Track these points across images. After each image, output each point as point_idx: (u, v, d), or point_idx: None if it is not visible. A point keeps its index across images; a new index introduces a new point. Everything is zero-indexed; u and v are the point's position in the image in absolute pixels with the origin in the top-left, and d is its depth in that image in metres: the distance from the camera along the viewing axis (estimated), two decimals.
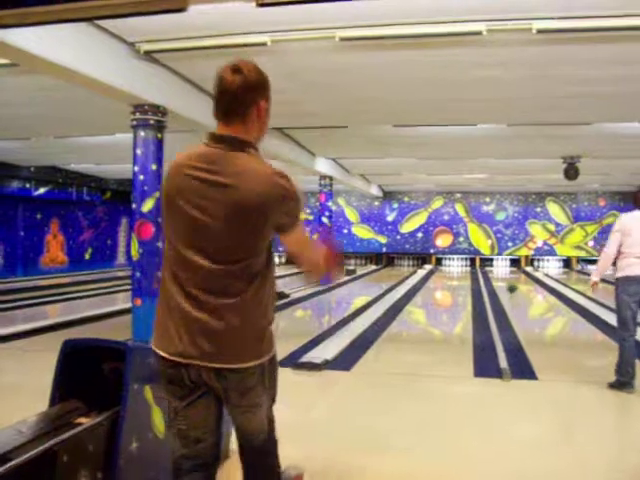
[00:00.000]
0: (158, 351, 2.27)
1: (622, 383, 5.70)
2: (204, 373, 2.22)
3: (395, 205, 25.19)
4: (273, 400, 2.46)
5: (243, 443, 2.45)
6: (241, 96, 2.18)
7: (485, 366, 6.78)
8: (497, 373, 6.38)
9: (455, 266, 24.59)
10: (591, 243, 23.79)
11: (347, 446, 4.23)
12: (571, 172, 13.41)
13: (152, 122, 7.49)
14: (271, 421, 2.49)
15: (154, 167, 7.56)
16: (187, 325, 2.18)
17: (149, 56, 6.90)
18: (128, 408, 2.78)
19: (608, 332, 8.92)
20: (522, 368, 6.68)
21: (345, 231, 25.11)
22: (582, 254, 24.00)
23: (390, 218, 25.20)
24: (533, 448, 4.28)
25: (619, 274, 5.79)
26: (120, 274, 18.59)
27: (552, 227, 24.06)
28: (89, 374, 3.04)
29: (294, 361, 6.65)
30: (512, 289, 15.28)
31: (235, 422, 2.42)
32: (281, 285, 14.06)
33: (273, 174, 2.16)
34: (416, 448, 4.28)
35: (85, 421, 2.77)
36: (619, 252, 5.79)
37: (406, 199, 25.06)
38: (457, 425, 4.82)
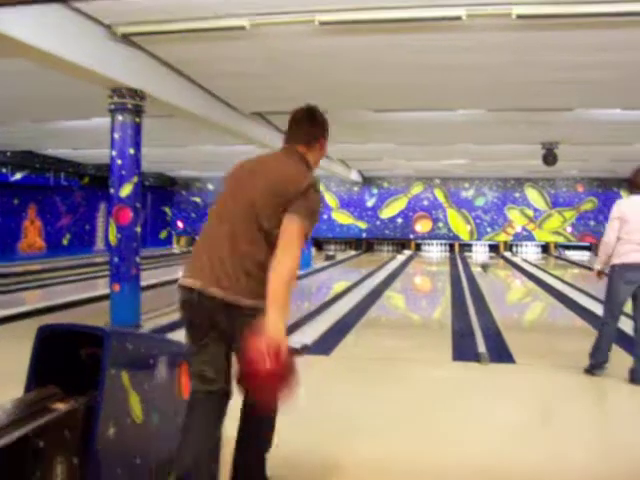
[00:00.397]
0: (185, 283, 2.82)
1: (594, 366, 5.77)
2: (217, 315, 2.76)
3: (375, 191, 25.20)
4: None
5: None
6: (311, 132, 2.99)
7: (463, 350, 6.84)
8: (475, 357, 6.44)
9: (434, 252, 24.68)
10: (569, 229, 23.99)
11: (325, 430, 4.24)
12: (550, 158, 13.48)
13: (130, 106, 7.40)
14: None
15: (132, 151, 7.49)
16: (212, 261, 2.76)
17: (126, 39, 6.78)
18: (105, 393, 2.76)
19: (585, 317, 9.04)
20: (500, 352, 6.75)
21: (325, 217, 25.08)
22: (560, 240, 24.20)
23: (370, 204, 25.21)
24: (511, 432, 4.33)
25: (616, 260, 5.64)
26: (98, 260, 18.43)
27: (530, 213, 24.20)
28: (66, 360, 3.02)
29: None
30: (485, 267, 17.01)
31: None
32: None
33: (305, 174, 2.85)
34: (394, 432, 4.30)
35: (61, 407, 2.75)
36: (617, 238, 5.65)
37: (386, 185, 25.08)
38: (435, 409, 4.86)
